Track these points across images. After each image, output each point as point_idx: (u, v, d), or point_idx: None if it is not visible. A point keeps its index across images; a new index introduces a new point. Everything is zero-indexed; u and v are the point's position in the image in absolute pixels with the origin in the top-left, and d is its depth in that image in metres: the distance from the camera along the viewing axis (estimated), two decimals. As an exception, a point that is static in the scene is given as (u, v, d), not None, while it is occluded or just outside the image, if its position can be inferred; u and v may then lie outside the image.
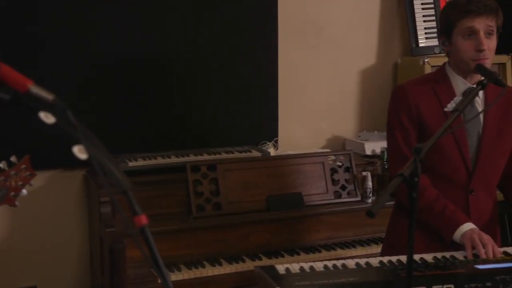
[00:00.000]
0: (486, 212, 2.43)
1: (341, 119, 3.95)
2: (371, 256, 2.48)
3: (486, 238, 2.19)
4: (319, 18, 3.84)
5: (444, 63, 2.47)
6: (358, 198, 3.42)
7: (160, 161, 3.24)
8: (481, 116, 2.37)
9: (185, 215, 3.15)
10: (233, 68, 3.63)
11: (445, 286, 1.92)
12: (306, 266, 2.13)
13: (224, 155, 3.38)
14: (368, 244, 3.31)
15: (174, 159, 3.27)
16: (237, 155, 3.40)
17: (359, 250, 3.24)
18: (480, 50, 2.28)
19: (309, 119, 3.89)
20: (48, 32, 3.26)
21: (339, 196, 3.41)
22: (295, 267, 2.11)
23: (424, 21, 3.85)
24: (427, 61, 3.66)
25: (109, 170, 1.20)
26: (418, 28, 3.86)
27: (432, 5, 3.88)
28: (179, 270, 2.94)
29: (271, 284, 1.94)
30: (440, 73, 2.43)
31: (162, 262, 1.17)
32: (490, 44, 2.30)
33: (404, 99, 2.39)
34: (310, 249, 3.21)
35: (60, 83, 3.26)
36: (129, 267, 2.88)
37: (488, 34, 2.30)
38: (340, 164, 3.45)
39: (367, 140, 3.79)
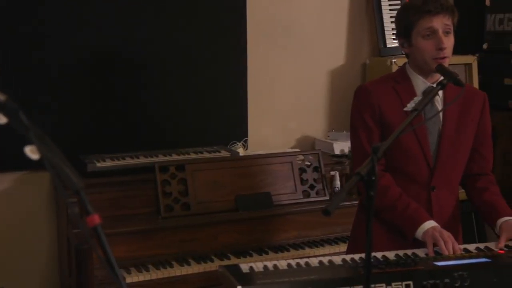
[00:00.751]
0: (447, 209, 2.47)
1: (311, 119, 3.98)
2: (339, 254, 2.51)
3: (447, 235, 2.22)
4: (288, 19, 3.86)
5: (404, 64, 2.51)
6: (327, 198, 3.45)
7: (128, 161, 3.25)
8: (441, 114, 2.42)
9: (154, 216, 3.16)
10: (202, 69, 3.65)
11: (404, 283, 1.94)
12: (270, 264, 2.15)
13: (193, 156, 3.39)
14: (336, 243, 3.34)
15: (142, 160, 3.28)
16: (206, 155, 3.41)
17: (327, 249, 3.27)
18: (441, 48, 2.32)
19: (278, 119, 3.92)
20: (11, 29, 3.24)
21: (308, 196, 3.43)
22: (259, 266, 2.13)
23: (392, 22, 3.88)
24: (394, 62, 3.70)
25: (62, 170, 1.21)
26: (386, 29, 3.91)
27: (399, 7, 3.91)
28: (147, 270, 2.94)
29: (234, 283, 1.96)
30: (401, 73, 2.47)
31: (115, 261, 1.18)
32: (449, 42, 2.35)
33: (366, 99, 2.43)
34: (279, 248, 3.23)
35: (28, 83, 3.25)
36: (98, 268, 2.88)
37: (446, 32, 2.34)
38: (308, 163, 3.48)
39: (336, 139, 3.82)
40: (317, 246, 3.30)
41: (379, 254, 2.24)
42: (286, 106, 3.93)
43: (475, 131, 2.48)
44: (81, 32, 3.38)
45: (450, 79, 2.22)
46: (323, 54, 3.98)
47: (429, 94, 2.18)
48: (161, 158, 3.29)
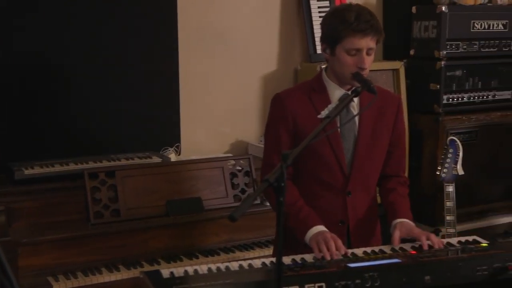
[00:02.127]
0: (364, 212, 2.53)
1: (244, 124, 4.04)
2: (268, 257, 2.56)
3: (329, 236, 2.28)
4: (220, 25, 3.92)
5: (321, 70, 2.57)
6: (257, 201, 3.50)
7: (57, 168, 3.24)
8: (357, 121, 2.49)
9: (83, 222, 3.15)
10: (134, 75, 3.67)
11: (317, 284, 2.01)
12: (190, 269, 2.19)
13: (123, 162, 3.41)
14: (267, 246, 3.39)
15: (72, 166, 3.27)
16: (137, 161, 3.43)
17: (257, 252, 3.33)
18: (361, 68, 2.39)
19: (212, 125, 3.97)
20: None
21: (239, 200, 3.48)
22: (179, 271, 2.17)
23: (322, 28, 3.98)
24: (323, 67, 3.77)
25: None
26: (315, 35, 3.99)
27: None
28: (76, 277, 2.94)
29: (151, 289, 2.00)
30: (317, 81, 2.54)
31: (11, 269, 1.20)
32: (369, 60, 2.42)
33: (280, 108, 2.49)
34: (210, 252, 3.27)
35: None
36: (25, 276, 2.88)
37: (368, 54, 2.40)
38: (240, 168, 3.53)
39: (269, 144, 3.88)
40: (247, 250, 3.35)
41: (298, 257, 2.31)
42: (219, 111, 3.98)
43: (390, 134, 2.55)
44: (7, 39, 3.35)
45: (364, 87, 2.31)
46: (256, 59, 4.04)
47: (343, 101, 2.25)
48: (91, 165, 3.29)
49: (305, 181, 2.50)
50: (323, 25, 2.51)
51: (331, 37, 2.43)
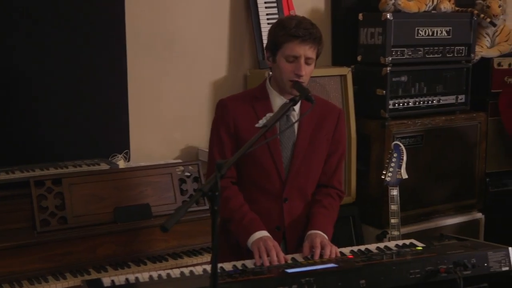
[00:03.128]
0: (301, 219, 2.59)
1: (194, 129, 4.07)
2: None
3: (271, 245, 2.33)
4: (169, 31, 3.93)
5: (265, 79, 2.63)
6: (206, 207, 3.53)
7: (3, 177, 3.22)
8: (296, 129, 2.55)
9: (30, 231, 3.14)
10: (82, 81, 3.66)
11: (254, 291, 2.06)
12: (131, 277, 2.22)
13: (71, 169, 3.40)
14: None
15: (18, 174, 3.26)
16: (84, 168, 3.43)
17: (206, 257, 3.35)
18: (299, 75, 2.45)
19: (162, 130, 3.98)
20: None
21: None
22: (120, 279, 2.20)
23: (270, 35, 4.03)
24: (268, 76, 3.83)
25: None
26: (264, 41, 4.04)
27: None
28: (21, 286, 2.93)
29: (89, 298, 2.02)
30: (260, 89, 2.60)
31: None
32: (308, 70, 2.48)
33: (223, 114, 2.54)
34: (158, 258, 3.29)
35: None
36: None
37: (307, 63, 2.47)
38: (189, 174, 3.56)
39: (218, 150, 3.91)
40: (196, 255, 3.37)
41: (240, 263, 2.36)
42: (169, 117, 4.00)
43: (329, 144, 2.62)
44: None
45: (302, 96, 2.36)
46: (206, 65, 4.07)
47: (281, 110, 2.31)
48: (37, 173, 3.29)
49: (244, 186, 2.56)
50: (268, 33, 2.59)
51: (273, 44, 2.51)
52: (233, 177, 2.52)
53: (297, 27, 2.44)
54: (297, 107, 2.53)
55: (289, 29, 2.45)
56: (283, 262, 2.30)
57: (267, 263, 2.27)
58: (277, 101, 2.54)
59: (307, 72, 2.47)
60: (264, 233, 2.41)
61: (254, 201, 2.54)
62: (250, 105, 2.54)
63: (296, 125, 2.53)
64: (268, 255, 2.30)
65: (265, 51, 2.60)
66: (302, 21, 2.49)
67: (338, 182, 2.69)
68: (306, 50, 2.44)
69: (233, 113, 2.52)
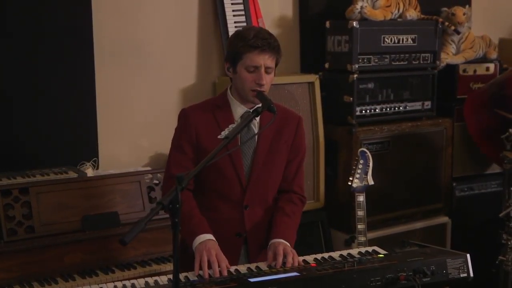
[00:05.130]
0: (262, 226, 2.63)
1: (163, 136, 4.05)
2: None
3: (214, 255, 2.35)
4: (136, 38, 3.94)
5: (226, 88, 2.66)
6: (175, 214, 3.55)
7: (-31, 186, 3.21)
8: (256, 137, 2.58)
9: (-3, 240, 3.15)
10: (49, 88, 3.66)
11: (216, 300, 2.09)
12: (95, 287, 2.24)
13: (39, 177, 3.40)
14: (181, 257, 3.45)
15: (-16, 184, 3.25)
16: (52, 177, 3.43)
17: (174, 265, 3.38)
18: (260, 84, 2.49)
19: (130, 138, 3.99)
20: None
21: (157, 213, 3.51)
22: (85, 290, 2.21)
23: (238, 43, 4.06)
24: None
25: None
26: (232, 49, 4.07)
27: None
28: (-14, 296, 2.94)
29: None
30: (222, 98, 2.63)
31: None
32: (268, 79, 2.53)
33: (185, 123, 2.58)
34: (126, 266, 3.30)
35: None
36: None
37: (267, 72, 2.51)
38: (157, 182, 3.58)
39: (187, 157, 3.93)
40: (164, 262, 3.39)
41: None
42: (138, 124, 4.01)
43: (288, 151, 2.65)
44: None
45: (264, 106, 2.40)
46: (174, 72, 4.09)
47: (244, 120, 2.34)
48: (4, 182, 3.28)
49: (205, 193, 2.59)
50: (227, 46, 2.63)
51: (232, 56, 2.55)
52: (189, 184, 2.54)
53: (256, 38, 2.49)
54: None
55: (248, 40, 2.49)
56: (225, 273, 2.31)
57: (206, 275, 2.29)
58: (238, 110, 2.58)
59: (267, 81, 2.52)
60: (208, 236, 2.43)
61: (215, 208, 2.57)
62: (211, 114, 2.57)
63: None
64: (210, 267, 2.32)
65: (224, 62, 2.63)
66: (260, 32, 2.54)
67: (299, 187, 2.72)
68: (265, 60, 2.49)
69: (194, 123, 2.56)
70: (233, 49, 2.56)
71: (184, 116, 2.61)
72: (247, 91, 2.51)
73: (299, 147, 2.70)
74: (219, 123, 2.53)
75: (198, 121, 2.56)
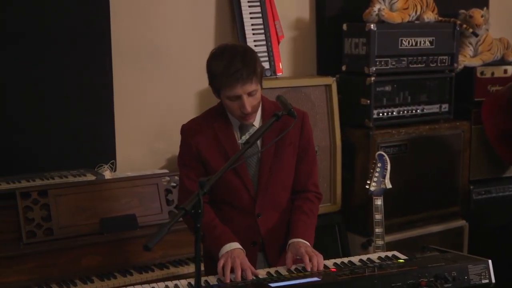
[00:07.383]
0: (278, 230, 2.60)
1: (179, 139, 4.07)
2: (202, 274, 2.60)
3: (239, 263, 2.33)
4: (154, 40, 3.96)
5: None
6: (192, 217, 3.56)
7: (-11, 188, 3.24)
8: (259, 143, 2.52)
9: (16, 242, 3.16)
10: (68, 91, 3.68)
11: (235, 304, 2.08)
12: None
13: (57, 180, 3.42)
14: (201, 261, 3.45)
15: (4, 186, 3.27)
16: (70, 179, 3.44)
17: (192, 267, 3.38)
18: (244, 114, 2.45)
19: (148, 140, 4.00)
20: None
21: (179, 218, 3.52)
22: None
23: (256, 45, 4.06)
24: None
25: None
26: (249, 52, 4.07)
27: (262, 31, 4.11)
28: (5, 297, 2.96)
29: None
30: (220, 108, 2.60)
31: None
32: (254, 101, 2.46)
33: (185, 138, 2.59)
34: (144, 268, 3.31)
35: None
36: None
37: (251, 94, 2.44)
38: (174, 184, 3.58)
39: (204, 159, 3.94)
40: (182, 265, 3.40)
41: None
42: (155, 127, 4.02)
43: (296, 150, 2.60)
44: None
45: (285, 111, 2.38)
46: (191, 76, 4.09)
47: (265, 125, 2.33)
48: (23, 184, 3.30)
49: (218, 206, 2.59)
50: (207, 71, 2.54)
51: (214, 86, 2.50)
52: (205, 197, 2.52)
53: (228, 72, 2.38)
54: (257, 121, 2.54)
55: (220, 76, 2.41)
56: (250, 278, 2.29)
57: (227, 280, 2.28)
58: (236, 120, 2.54)
59: (253, 103, 2.45)
60: (235, 245, 2.42)
61: (229, 219, 2.55)
62: (210, 126, 2.55)
63: (259, 140, 2.47)
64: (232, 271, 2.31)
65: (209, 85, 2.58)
66: (231, 62, 2.39)
67: (313, 185, 2.67)
68: (245, 88, 2.40)
69: (193, 140, 2.54)
70: (210, 79, 2.50)
71: (183, 133, 2.62)
72: (236, 116, 2.49)
73: (307, 145, 2.63)
74: (217, 134, 2.52)
75: (196, 137, 2.54)
